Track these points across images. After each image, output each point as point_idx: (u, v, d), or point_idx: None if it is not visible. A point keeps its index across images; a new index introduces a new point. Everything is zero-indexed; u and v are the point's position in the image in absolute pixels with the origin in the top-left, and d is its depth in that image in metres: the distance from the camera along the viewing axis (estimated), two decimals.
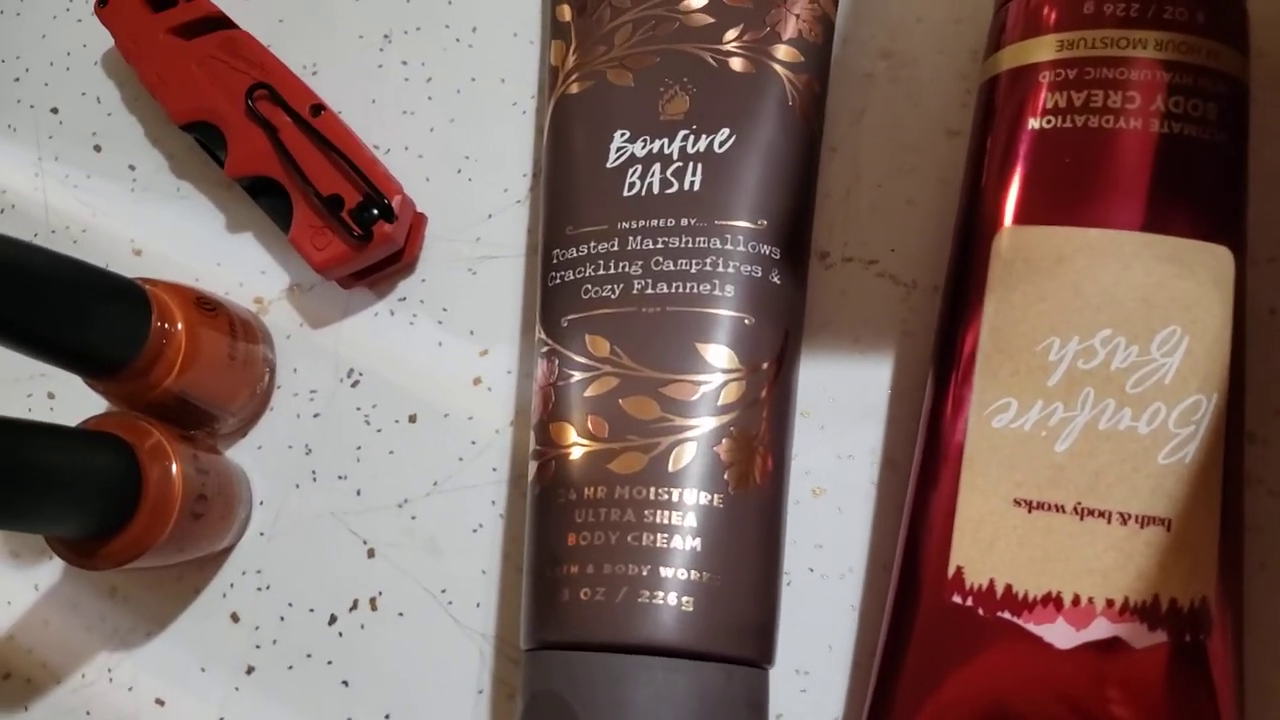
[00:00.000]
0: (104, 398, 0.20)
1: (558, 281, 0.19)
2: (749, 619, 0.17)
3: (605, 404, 0.17)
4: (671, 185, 0.19)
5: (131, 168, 0.25)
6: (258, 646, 0.21)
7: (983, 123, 0.19)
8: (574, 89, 0.20)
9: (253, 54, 0.23)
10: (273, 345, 0.23)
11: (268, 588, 0.21)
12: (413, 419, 0.22)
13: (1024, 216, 0.17)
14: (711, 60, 0.19)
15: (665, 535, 0.16)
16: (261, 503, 0.22)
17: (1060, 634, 0.16)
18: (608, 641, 0.16)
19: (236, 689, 0.21)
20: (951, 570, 0.16)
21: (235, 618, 0.21)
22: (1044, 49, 0.18)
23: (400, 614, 0.21)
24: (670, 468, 0.17)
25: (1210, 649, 0.15)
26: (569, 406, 0.18)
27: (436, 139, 0.23)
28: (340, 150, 0.21)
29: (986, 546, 0.16)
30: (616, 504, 0.17)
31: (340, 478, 0.22)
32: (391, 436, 0.22)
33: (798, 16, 0.20)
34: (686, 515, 0.17)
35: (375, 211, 0.21)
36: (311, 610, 0.21)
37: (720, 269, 0.18)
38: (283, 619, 0.21)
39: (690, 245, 0.18)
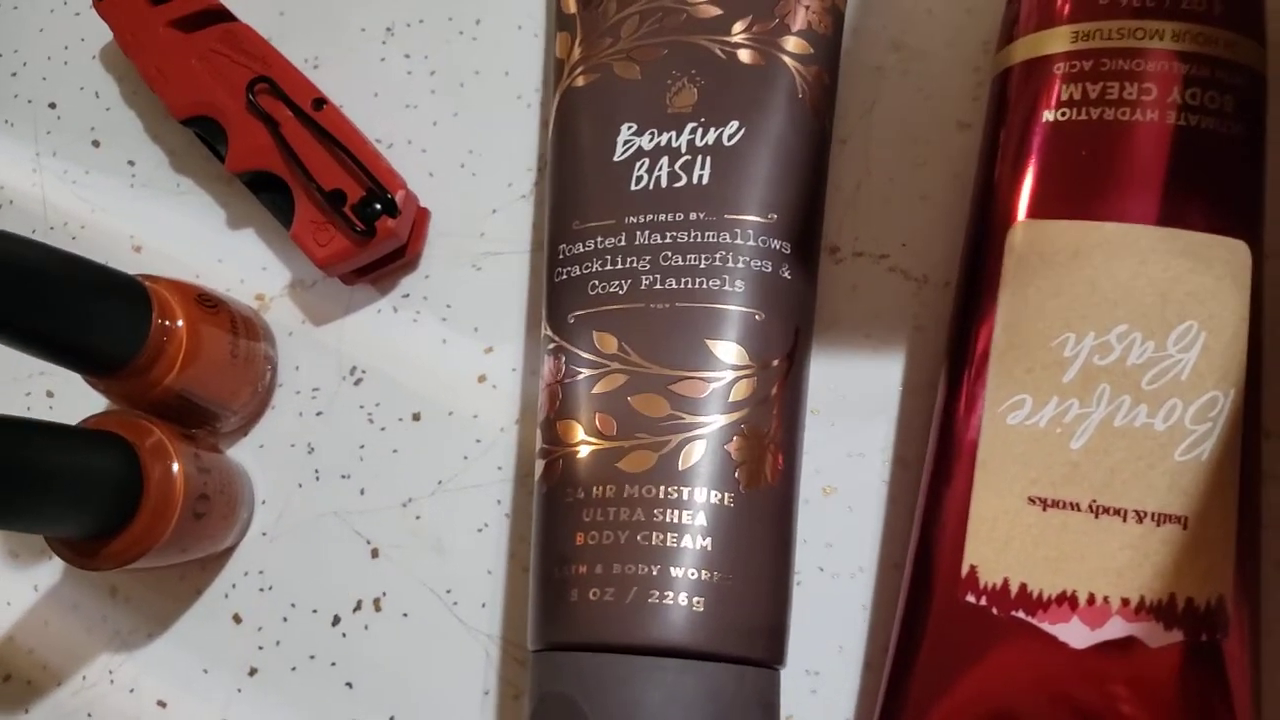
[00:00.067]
0: (104, 396, 0.20)
1: (564, 277, 0.19)
2: (760, 619, 0.17)
3: (613, 401, 0.17)
4: (680, 179, 0.18)
5: (131, 163, 0.25)
6: (260, 648, 0.21)
7: (996, 115, 0.18)
8: (580, 82, 0.20)
9: (253, 47, 0.23)
10: (274, 343, 0.22)
11: (270, 588, 0.21)
12: (416, 417, 0.21)
13: (1038, 210, 0.17)
14: (720, 52, 0.19)
15: (675, 535, 0.16)
16: (264, 502, 0.22)
17: (1075, 633, 0.15)
18: (617, 642, 0.16)
19: (239, 690, 0.20)
20: (965, 569, 0.16)
21: (238, 619, 0.21)
22: (1058, 40, 0.18)
23: (405, 614, 0.20)
24: (680, 466, 0.17)
25: (1226, 649, 0.15)
26: (576, 404, 0.18)
27: (440, 133, 0.23)
28: (342, 144, 0.21)
29: (1001, 545, 0.16)
30: (625, 503, 0.17)
31: (343, 477, 0.21)
32: (395, 435, 0.21)
33: (807, 8, 0.19)
34: (697, 514, 0.16)
35: (378, 206, 0.21)
36: (315, 611, 0.21)
37: (730, 264, 0.18)
38: (286, 620, 0.21)
39: (699, 240, 0.18)
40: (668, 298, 0.18)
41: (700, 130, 0.19)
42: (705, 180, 0.18)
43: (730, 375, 0.17)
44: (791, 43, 0.19)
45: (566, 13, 0.21)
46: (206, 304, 0.20)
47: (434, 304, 0.22)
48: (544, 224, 0.20)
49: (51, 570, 0.22)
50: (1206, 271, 0.16)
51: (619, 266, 0.18)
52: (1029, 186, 0.17)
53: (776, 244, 0.18)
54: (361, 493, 0.21)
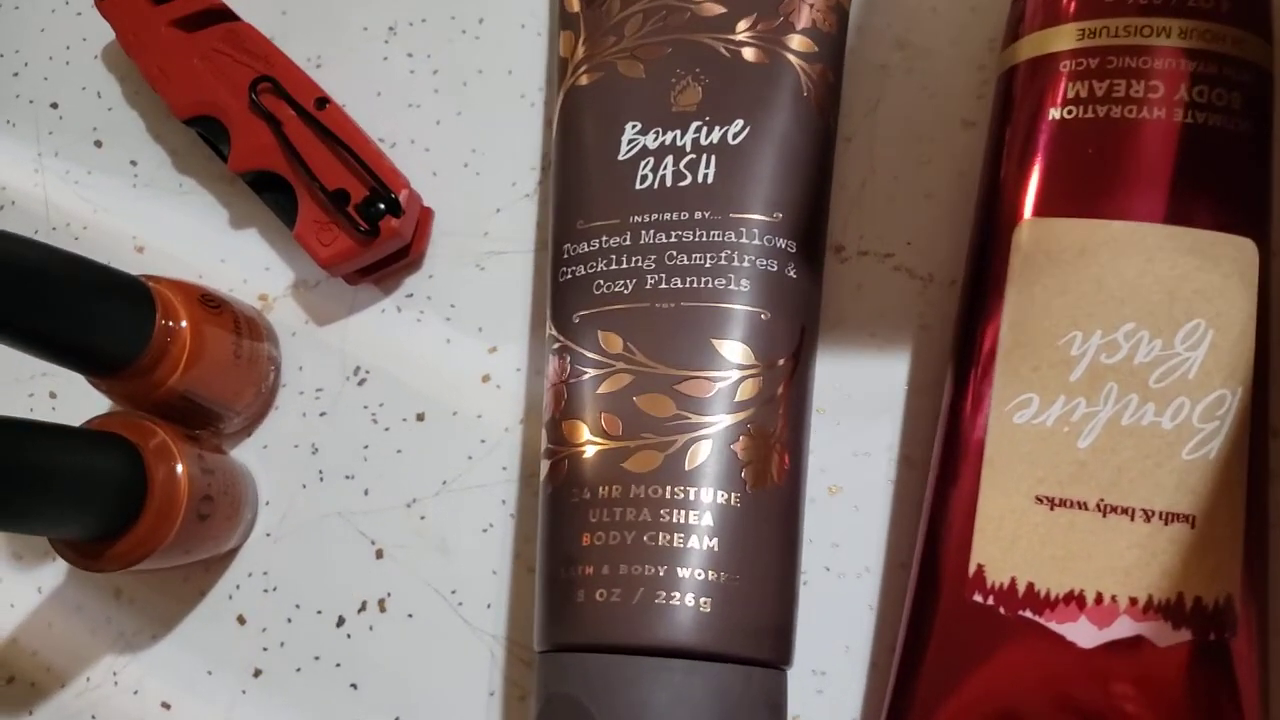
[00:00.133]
0: (107, 397, 0.20)
1: (569, 277, 0.19)
2: (767, 620, 0.16)
3: (619, 401, 0.17)
4: (685, 178, 0.18)
5: (133, 163, 0.25)
6: (265, 649, 0.21)
7: (1001, 113, 0.18)
8: (584, 80, 0.20)
9: (256, 46, 0.23)
10: (278, 343, 0.22)
11: (275, 589, 0.21)
12: (421, 417, 0.21)
13: (1045, 208, 0.17)
14: (724, 50, 0.19)
15: (682, 535, 0.16)
16: (268, 503, 0.22)
17: (1083, 633, 0.15)
18: (624, 643, 0.16)
19: (244, 692, 0.20)
20: (972, 568, 0.16)
21: (242, 620, 0.21)
22: (1064, 38, 0.18)
23: (409, 615, 0.20)
24: (686, 466, 0.17)
25: (1234, 648, 0.15)
26: (582, 404, 0.17)
27: (443, 132, 0.23)
28: (346, 144, 0.21)
29: (1008, 544, 0.16)
30: (632, 503, 0.16)
31: (347, 477, 0.21)
32: (399, 435, 0.21)
33: (811, 6, 0.19)
34: (703, 514, 0.16)
35: (382, 206, 0.21)
36: (319, 612, 0.21)
37: (735, 263, 0.18)
38: (290, 621, 0.21)
39: (704, 239, 0.18)
40: (673, 297, 0.17)
41: (705, 129, 0.18)
42: (710, 179, 0.18)
43: (736, 375, 0.17)
44: (796, 41, 0.19)
45: (570, 11, 0.21)
46: (210, 304, 0.20)
47: (438, 304, 0.22)
48: (548, 223, 0.20)
49: (55, 572, 0.22)
50: (1214, 269, 0.16)
51: (624, 266, 0.18)
52: (1035, 184, 0.17)
53: (782, 243, 0.18)
54: (365, 493, 0.21)
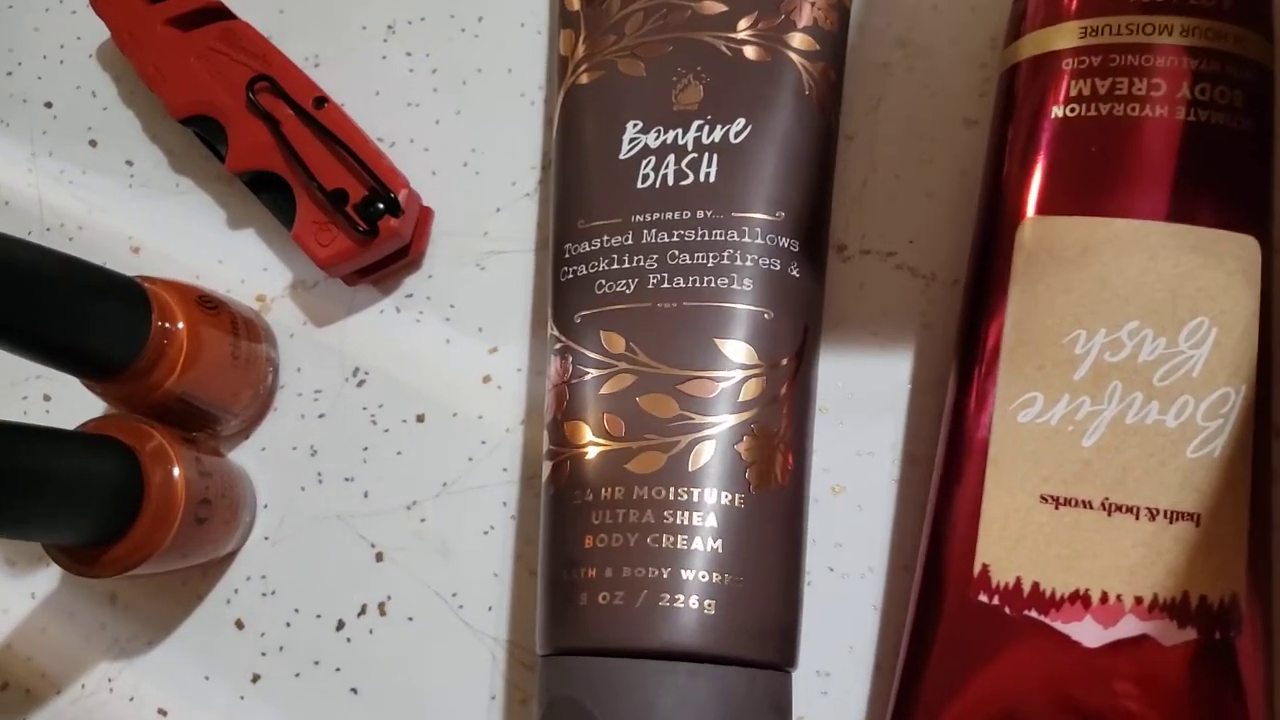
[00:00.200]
0: (103, 400, 0.20)
1: (570, 276, 0.18)
2: (771, 621, 0.16)
3: (621, 402, 0.17)
4: (686, 177, 0.18)
5: (129, 163, 0.24)
6: (263, 654, 0.20)
7: (1003, 112, 0.18)
8: (584, 79, 0.20)
9: (253, 45, 0.22)
10: (276, 344, 0.22)
11: (273, 593, 0.21)
12: (420, 419, 0.21)
13: (1047, 207, 0.17)
14: (725, 49, 0.19)
15: (685, 537, 0.16)
16: (266, 506, 0.21)
17: (1088, 632, 0.15)
18: (628, 646, 0.16)
19: (242, 698, 0.20)
20: (977, 568, 0.16)
21: (240, 624, 0.21)
22: (1066, 36, 0.17)
23: (410, 618, 0.20)
24: (690, 467, 0.16)
25: (1240, 647, 0.15)
26: (584, 405, 0.17)
27: (442, 131, 0.23)
28: (344, 143, 0.21)
29: (1013, 544, 0.16)
30: (635, 505, 0.16)
31: (347, 479, 0.21)
32: (399, 437, 0.21)
33: (813, 4, 0.19)
34: (707, 516, 0.16)
35: (381, 206, 0.20)
36: (318, 616, 0.20)
37: (738, 262, 0.17)
38: (289, 625, 0.20)
39: (707, 238, 0.18)
40: (675, 297, 0.17)
41: (706, 128, 0.18)
42: (712, 178, 0.18)
43: (739, 374, 0.17)
44: (797, 39, 0.19)
45: (570, 10, 0.21)
46: (207, 305, 0.20)
47: (437, 304, 0.22)
48: (549, 223, 0.20)
49: (49, 577, 0.22)
50: (1217, 267, 0.16)
51: (626, 265, 0.18)
52: (1038, 183, 0.17)
53: (785, 242, 0.18)
54: (365, 495, 0.21)
